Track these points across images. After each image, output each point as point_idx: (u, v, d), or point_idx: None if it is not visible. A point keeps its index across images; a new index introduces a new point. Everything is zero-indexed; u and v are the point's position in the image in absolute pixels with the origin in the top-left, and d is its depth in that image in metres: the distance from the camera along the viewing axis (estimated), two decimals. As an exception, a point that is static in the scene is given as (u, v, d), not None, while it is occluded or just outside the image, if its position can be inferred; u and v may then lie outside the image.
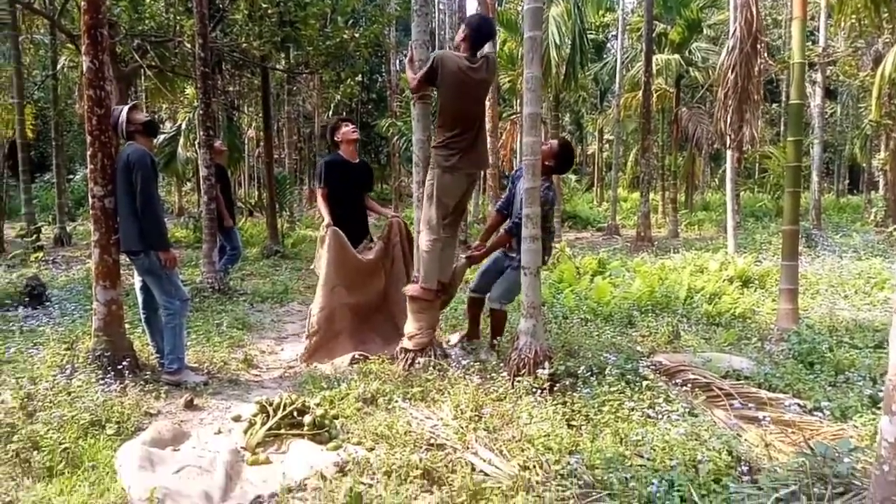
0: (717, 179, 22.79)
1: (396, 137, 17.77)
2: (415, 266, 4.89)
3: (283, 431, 3.60)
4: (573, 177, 23.73)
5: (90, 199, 4.51)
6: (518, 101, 16.09)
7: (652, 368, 4.10)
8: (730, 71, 5.87)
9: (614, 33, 17.36)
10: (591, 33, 20.00)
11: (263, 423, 3.62)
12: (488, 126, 8.84)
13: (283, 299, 7.78)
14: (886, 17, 6.96)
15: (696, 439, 3.00)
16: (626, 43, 18.26)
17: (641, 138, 13.59)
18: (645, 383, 3.75)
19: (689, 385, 3.96)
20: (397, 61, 22.37)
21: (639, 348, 4.94)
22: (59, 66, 13.73)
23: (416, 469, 2.94)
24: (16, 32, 11.54)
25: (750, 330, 5.64)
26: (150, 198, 4.41)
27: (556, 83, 12.14)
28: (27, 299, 6.77)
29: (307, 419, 3.62)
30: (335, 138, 5.73)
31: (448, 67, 4.40)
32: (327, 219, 5.39)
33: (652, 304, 6.39)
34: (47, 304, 6.74)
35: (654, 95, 15.72)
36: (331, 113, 23.00)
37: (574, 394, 3.77)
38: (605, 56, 20.69)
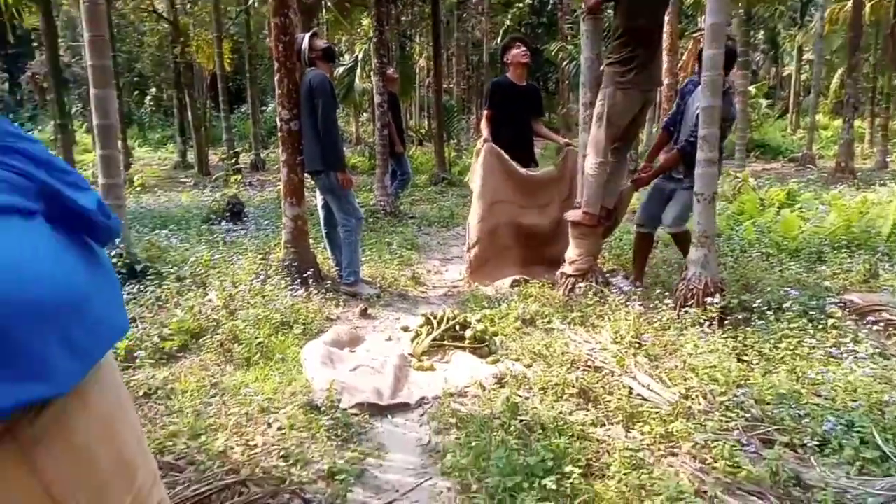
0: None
1: (566, 62, 17.14)
2: (578, 190, 4.78)
3: (446, 343, 3.80)
4: (764, 101, 21.46)
5: (278, 123, 4.91)
6: (702, 15, 14.71)
7: (840, 306, 3.73)
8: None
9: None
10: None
11: (429, 334, 3.85)
12: (666, 44, 8.24)
13: (449, 224, 8.04)
14: None
15: (885, 382, 2.71)
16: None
17: (849, 56, 11.85)
18: (830, 321, 3.43)
19: (883, 325, 3.56)
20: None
21: (827, 285, 4.50)
22: (249, 2, 14.78)
23: (572, 387, 2.97)
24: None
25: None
26: (329, 121, 4.69)
27: (749, -4, 10.90)
28: (228, 215, 7.64)
29: (468, 333, 3.79)
30: (505, 59, 5.65)
31: None
32: (485, 135, 5.41)
33: (847, 239, 5.73)
34: (245, 219, 7.58)
35: (867, 5, 13.54)
36: (499, 39, 22.63)
37: (747, 328, 3.55)
38: (811, -38, 18.12)
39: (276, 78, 4.82)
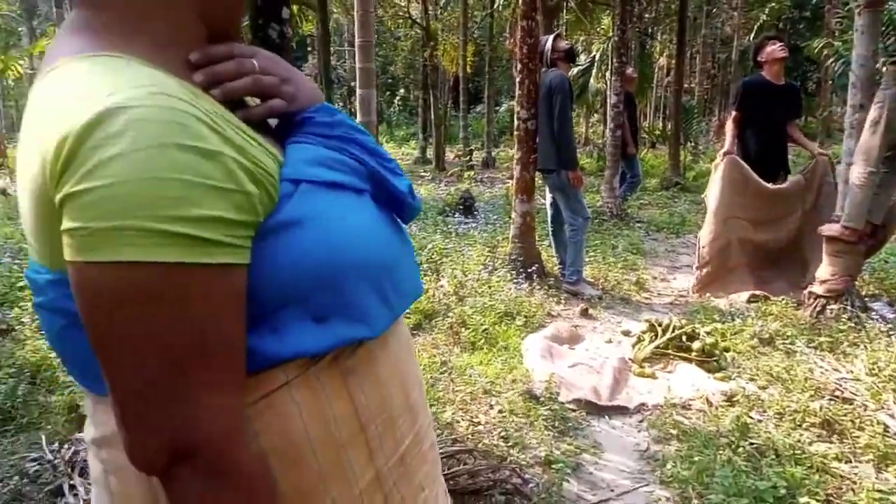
0: None
1: (832, 60, 15.24)
2: (838, 202, 4.28)
3: (670, 352, 3.68)
4: None
5: (516, 122, 5.11)
6: None
7: None
8: None
9: None
10: None
11: (652, 341, 3.76)
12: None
13: (679, 230, 7.66)
14: None
15: None
16: None
17: None
18: None
19: None
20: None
21: None
22: (495, 6, 15.41)
23: (815, 416, 2.71)
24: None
25: None
26: (565, 120, 4.77)
27: None
28: (461, 208, 8.11)
29: (696, 345, 3.62)
30: (759, 58, 5.24)
31: None
32: (727, 146, 5.06)
33: None
34: (476, 213, 7.99)
35: None
36: (753, 36, 20.83)
37: None
38: None
39: (518, 79, 5.02)
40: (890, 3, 4.15)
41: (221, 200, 0.56)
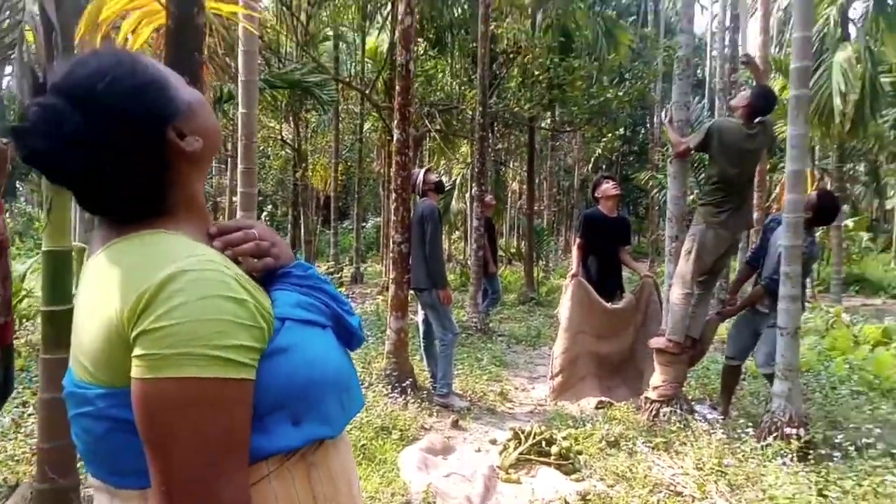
0: None
1: (656, 190, 17.59)
2: (663, 319, 5.05)
3: (532, 457, 4.04)
4: (865, 235, 20.84)
5: (391, 245, 5.56)
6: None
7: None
8: None
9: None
10: (890, 75, 17.76)
11: (516, 448, 4.12)
12: (756, 180, 8.55)
13: (536, 343, 8.33)
14: None
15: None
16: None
17: (952, 194, 11.68)
18: (918, 463, 3.46)
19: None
20: (662, 113, 22.21)
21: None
22: (363, 131, 16.41)
23: (654, 508, 3.16)
24: (337, 104, 14.18)
25: None
26: (435, 245, 5.28)
27: (840, 133, 11.14)
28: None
29: (554, 449, 4.03)
30: (596, 194, 6.15)
31: (723, 136, 4.56)
32: (574, 269, 5.83)
33: (948, 383, 5.60)
34: (347, 328, 8.18)
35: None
36: (591, 166, 23.53)
37: (830, 464, 3.62)
38: (910, 99, 18.12)
39: (392, 206, 5.52)
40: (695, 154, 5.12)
41: (248, 333, 0.83)
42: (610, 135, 14.06)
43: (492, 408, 5.40)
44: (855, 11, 15.15)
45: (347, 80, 12.80)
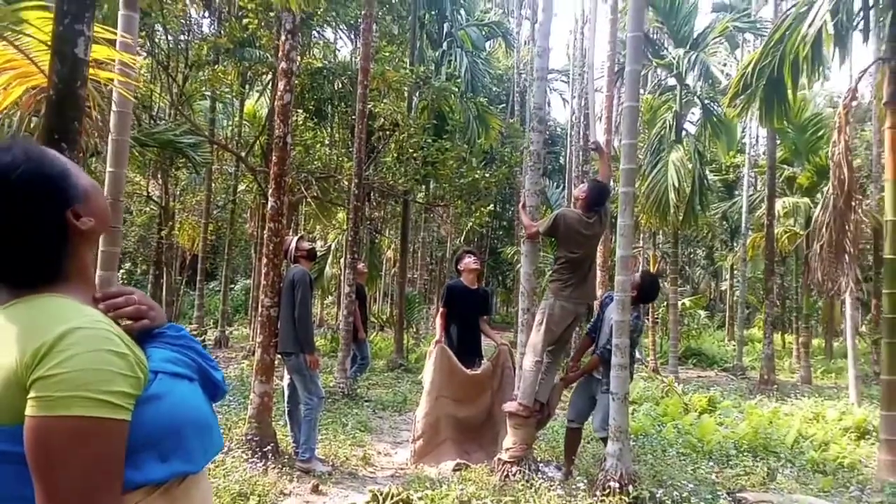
0: (863, 326, 21.37)
1: (521, 265, 18.68)
2: (516, 384, 5.48)
3: (389, 518, 4.22)
4: (703, 312, 23.16)
5: (260, 309, 5.64)
6: (640, 235, 16.60)
7: (734, 501, 4.34)
8: (824, 227, 6.21)
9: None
10: (720, 175, 20.35)
11: (374, 509, 4.28)
12: (600, 260, 9.47)
13: (402, 409, 8.52)
14: None
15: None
16: (759, 185, 18.42)
17: (765, 280, 13.50)
18: (721, 513, 4.02)
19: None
20: (523, 193, 23.81)
21: (730, 485, 5.11)
22: (237, 192, 16.24)
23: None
24: (210, 165, 14.04)
25: (852, 480, 5.57)
26: (305, 311, 5.44)
27: (675, 222, 12.62)
28: (194, 388, 8.02)
29: (410, 510, 4.24)
30: (458, 267, 6.61)
31: (567, 224, 5.17)
32: (438, 335, 6.20)
33: (755, 446, 6.43)
34: (209, 393, 7.95)
35: (784, 237, 15.60)
36: (462, 239, 24.51)
37: (650, 516, 4.10)
38: (736, 195, 20.83)
39: (263, 271, 5.65)
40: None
41: (126, 382, 1.03)
42: (479, 211, 14.93)
43: (354, 472, 5.50)
44: (693, 115, 17.44)
45: (223, 142, 12.78)
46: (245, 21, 10.01)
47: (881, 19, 6.63)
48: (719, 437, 6.62)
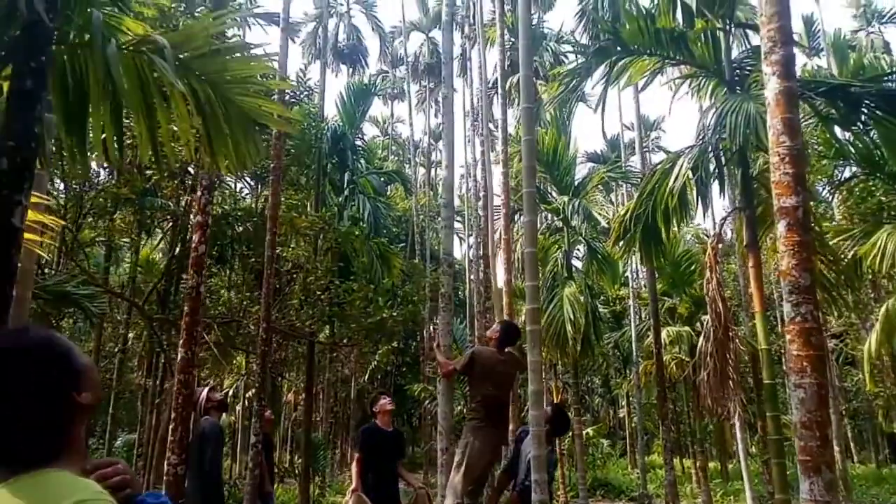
0: (753, 447, 22.56)
1: (428, 401, 18.55)
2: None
3: None
4: (605, 441, 23.62)
5: (166, 467, 5.37)
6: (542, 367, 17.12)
7: None
8: (708, 356, 6.89)
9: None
10: (608, 307, 21.70)
11: None
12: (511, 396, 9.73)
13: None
14: (842, 303, 8.13)
15: None
16: (643, 315, 19.78)
17: (659, 406, 14.20)
18: None
19: None
20: (430, 327, 24.11)
21: None
22: (128, 343, 15.47)
23: None
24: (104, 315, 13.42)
25: None
26: (214, 465, 5.24)
27: (574, 353, 13.25)
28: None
29: None
30: (374, 409, 6.61)
31: (482, 361, 5.44)
32: (355, 483, 6.07)
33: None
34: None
35: (672, 364, 16.62)
36: (367, 377, 24.16)
37: None
38: (624, 324, 22.14)
39: (171, 426, 5.44)
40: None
41: None
42: (385, 348, 14.94)
43: None
44: (579, 252, 18.81)
45: (118, 290, 12.37)
46: (149, 172, 10.13)
47: (733, 175, 7.79)
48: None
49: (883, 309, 10.38)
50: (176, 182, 10.88)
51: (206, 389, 5.63)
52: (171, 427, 5.46)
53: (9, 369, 1.21)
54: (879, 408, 19.30)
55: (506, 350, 5.62)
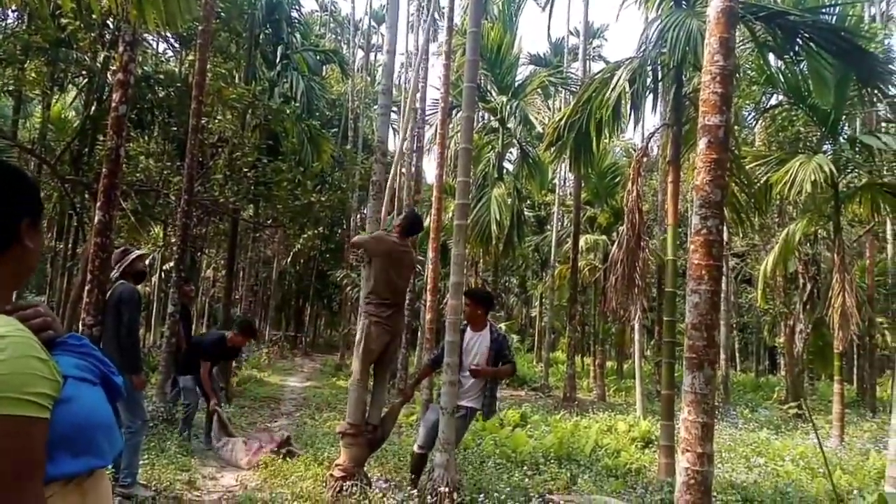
0: (648, 350, 24.38)
1: (350, 287, 18.86)
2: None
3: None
4: (516, 336, 24.91)
5: (81, 328, 5.33)
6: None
7: (542, 502, 4.93)
8: (618, 263, 7.32)
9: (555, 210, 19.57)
10: (533, 211, 22.24)
11: (207, 529, 4.26)
12: (430, 286, 10.03)
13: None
14: (749, 225, 8.74)
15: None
16: (565, 221, 20.44)
17: (570, 308, 15.05)
18: (533, 512, 4.57)
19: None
20: (357, 216, 24.11)
21: (539, 489, 5.75)
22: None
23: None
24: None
25: (638, 481, 6.52)
26: (132, 330, 5.23)
27: (496, 253, 13.70)
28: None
29: (245, 527, 4.28)
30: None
31: (382, 245, 5.49)
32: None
33: (560, 455, 7.23)
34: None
35: (585, 270, 17.47)
36: (289, 260, 24.15)
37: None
38: (546, 229, 22.87)
39: (86, 288, 5.35)
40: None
41: (48, 385, 1.18)
42: (310, 232, 14.92)
43: (178, 497, 5.34)
44: (511, 156, 18.96)
45: (29, 147, 11.59)
46: (64, 22, 9.29)
47: (667, 91, 7.95)
48: (530, 447, 7.34)
49: (784, 233, 11.17)
50: (93, 35, 10.04)
51: (135, 255, 5.50)
52: (86, 289, 5.37)
53: None
54: (766, 323, 21.17)
55: (406, 239, 5.68)
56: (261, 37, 14.52)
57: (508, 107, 13.68)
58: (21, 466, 1.10)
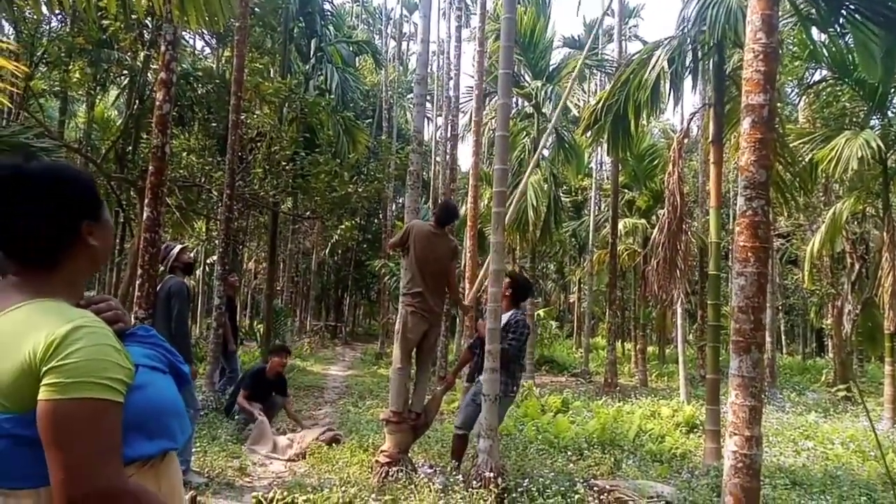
0: (691, 335, 24.04)
1: (387, 277, 19.01)
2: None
3: (276, 521, 4.36)
4: (554, 323, 24.82)
5: (133, 320, 5.51)
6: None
7: (587, 487, 4.94)
8: (659, 247, 7.22)
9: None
10: (570, 196, 22.03)
11: (260, 514, 4.40)
12: (468, 274, 10.06)
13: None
14: (794, 205, 8.51)
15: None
16: (603, 206, 20.22)
17: (609, 292, 14.91)
18: (577, 497, 4.59)
19: (616, 500, 4.79)
20: (392, 206, 24.24)
21: (583, 474, 5.76)
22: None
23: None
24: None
25: (684, 466, 6.48)
26: (182, 321, 5.41)
27: (533, 239, 13.63)
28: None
29: (297, 512, 4.40)
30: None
31: (415, 233, 5.55)
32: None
33: (603, 440, 7.22)
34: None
35: (625, 254, 17.27)
36: (328, 251, 24.45)
37: None
38: (584, 214, 22.66)
39: (137, 282, 5.53)
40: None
41: (123, 372, 1.24)
42: (348, 223, 15.07)
43: (231, 483, 5.52)
44: (547, 141, 18.77)
45: (76, 147, 11.98)
46: (105, 23, 9.54)
47: (707, 71, 7.79)
48: (572, 433, 7.34)
49: (830, 212, 10.87)
50: (133, 35, 10.28)
51: (178, 249, 5.68)
52: (137, 283, 5.56)
53: (42, 182, 1.28)
54: (813, 305, 20.65)
55: (444, 228, 5.70)
56: (294, 30, 14.67)
57: (543, 91, 13.56)
58: (104, 448, 1.16)
